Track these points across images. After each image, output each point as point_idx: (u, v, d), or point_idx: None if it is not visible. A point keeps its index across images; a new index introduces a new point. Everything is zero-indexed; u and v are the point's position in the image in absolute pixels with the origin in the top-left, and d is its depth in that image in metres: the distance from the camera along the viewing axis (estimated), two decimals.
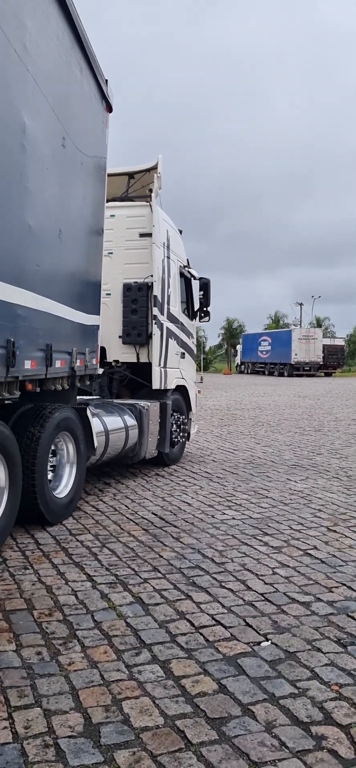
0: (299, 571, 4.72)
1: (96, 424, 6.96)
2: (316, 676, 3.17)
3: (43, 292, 5.48)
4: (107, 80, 7.18)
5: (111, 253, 8.52)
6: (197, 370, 11.08)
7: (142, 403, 8.34)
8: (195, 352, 10.83)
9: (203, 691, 3.02)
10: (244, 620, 3.82)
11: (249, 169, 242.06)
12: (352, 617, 3.88)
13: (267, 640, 3.56)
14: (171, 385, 9.18)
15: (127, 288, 8.75)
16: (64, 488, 6.25)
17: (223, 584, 4.43)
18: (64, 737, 2.64)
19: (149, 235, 8.65)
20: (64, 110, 5.89)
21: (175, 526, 5.94)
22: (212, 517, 6.33)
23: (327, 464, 9.59)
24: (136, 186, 9.34)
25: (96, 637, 3.59)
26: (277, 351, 55.40)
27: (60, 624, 3.74)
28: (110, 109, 7.40)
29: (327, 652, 3.41)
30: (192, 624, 3.77)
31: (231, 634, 3.63)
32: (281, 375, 53.39)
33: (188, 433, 10.05)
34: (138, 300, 8.67)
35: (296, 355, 52.90)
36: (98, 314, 7.33)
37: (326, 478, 8.43)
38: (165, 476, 8.39)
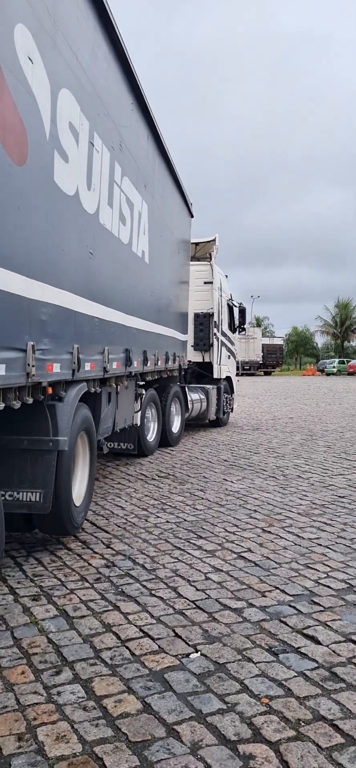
0: (232, 576, 4.60)
1: (189, 397, 12.16)
2: (246, 688, 3.03)
3: (172, 327, 10.67)
4: (192, 203, 12.38)
5: None
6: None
7: (207, 386, 13.46)
8: (235, 354, 16.19)
9: (126, 711, 2.83)
10: (173, 630, 3.65)
11: (200, 169, 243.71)
12: (285, 623, 3.78)
13: (197, 651, 3.40)
14: (223, 376, 14.43)
15: (196, 316, 13.60)
16: (175, 428, 11.41)
17: (153, 592, 4.25)
18: None
19: (210, 283, 13.63)
20: (177, 232, 10.99)
21: (106, 532, 5.71)
22: (146, 521, 6.14)
23: (264, 463, 9.58)
24: (200, 251, 14.39)
25: (14, 656, 3.34)
26: None
27: None
28: (192, 216, 12.62)
29: (258, 662, 3.28)
30: (118, 637, 3.56)
31: (159, 647, 3.45)
32: None
33: (232, 408, 15.53)
34: (203, 323, 13.64)
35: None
36: (187, 333, 12.54)
37: (262, 478, 8.40)
38: (99, 479, 8.13)
